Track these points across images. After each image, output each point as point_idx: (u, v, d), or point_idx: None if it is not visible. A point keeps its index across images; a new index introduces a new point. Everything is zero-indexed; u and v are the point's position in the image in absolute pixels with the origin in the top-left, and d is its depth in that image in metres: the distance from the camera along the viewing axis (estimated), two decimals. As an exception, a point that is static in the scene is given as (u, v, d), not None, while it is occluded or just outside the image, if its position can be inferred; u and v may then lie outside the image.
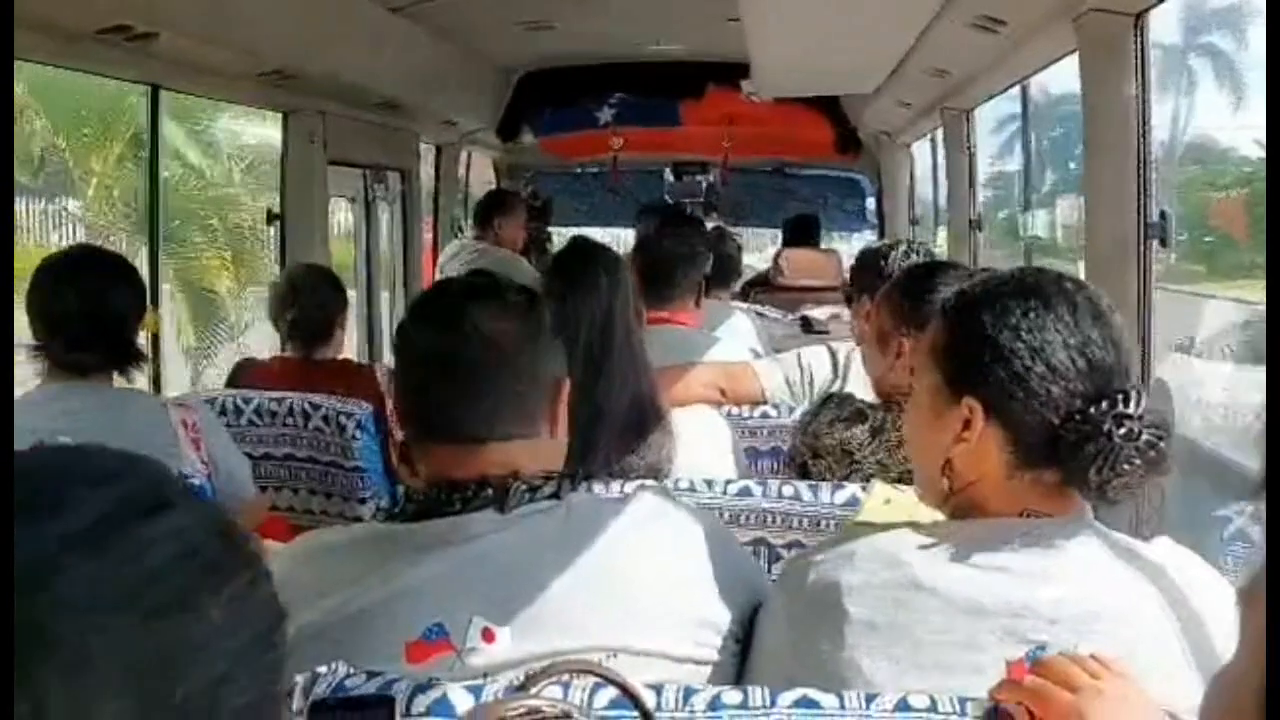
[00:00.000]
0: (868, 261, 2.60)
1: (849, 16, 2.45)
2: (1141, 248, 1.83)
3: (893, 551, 1.04)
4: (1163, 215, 1.83)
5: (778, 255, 4.74)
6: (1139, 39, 1.85)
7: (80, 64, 2.58)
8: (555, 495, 1.09)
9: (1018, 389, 1.01)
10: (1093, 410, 0.99)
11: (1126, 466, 0.98)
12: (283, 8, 2.66)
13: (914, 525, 1.05)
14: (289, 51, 2.84)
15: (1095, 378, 1.00)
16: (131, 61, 2.47)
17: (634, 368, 1.68)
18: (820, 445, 1.77)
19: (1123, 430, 0.98)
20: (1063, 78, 2.07)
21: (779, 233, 5.30)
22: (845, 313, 3.16)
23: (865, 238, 5.15)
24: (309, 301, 2.68)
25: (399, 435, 2.69)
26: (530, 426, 1.13)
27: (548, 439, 1.14)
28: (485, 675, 0.96)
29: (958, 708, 0.90)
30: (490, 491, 1.07)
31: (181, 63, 2.59)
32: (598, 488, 1.47)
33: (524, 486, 1.08)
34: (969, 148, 3.65)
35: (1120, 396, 0.99)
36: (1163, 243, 1.84)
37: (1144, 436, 0.98)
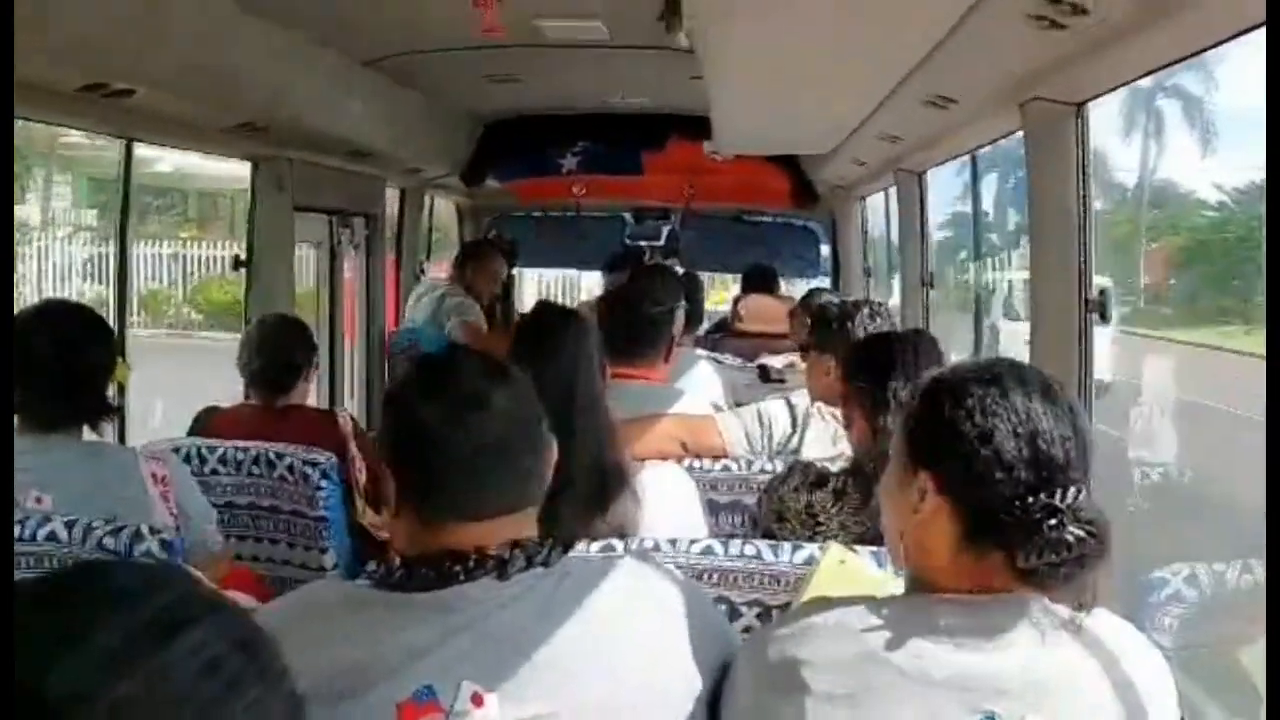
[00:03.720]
0: (827, 320, 2.67)
1: (809, 86, 2.54)
2: (1082, 323, 1.93)
3: (850, 626, 1.10)
4: (1102, 293, 1.94)
5: (737, 301, 4.83)
6: (1080, 127, 1.97)
7: (56, 119, 2.61)
8: (546, 563, 1.13)
9: (966, 470, 1.07)
10: (1030, 500, 1.04)
11: (1054, 557, 1.03)
12: (256, 63, 2.69)
13: (870, 599, 1.11)
14: (261, 104, 2.87)
15: (1039, 468, 1.05)
16: (106, 116, 2.50)
17: (597, 432, 1.69)
18: (786, 509, 1.83)
19: (1053, 523, 1.03)
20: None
21: (737, 277, 5.38)
22: (801, 362, 3.23)
23: (820, 284, 5.25)
24: (276, 351, 2.70)
25: (362, 478, 2.64)
26: (531, 500, 1.17)
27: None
28: None
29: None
30: (490, 562, 1.11)
31: (155, 117, 2.61)
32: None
33: (522, 556, 1.12)
34: (921, 207, 3.76)
35: (1059, 491, 1.04)
36: (1103, 318, 1.95)
37: (1071, 531, 1.03)
